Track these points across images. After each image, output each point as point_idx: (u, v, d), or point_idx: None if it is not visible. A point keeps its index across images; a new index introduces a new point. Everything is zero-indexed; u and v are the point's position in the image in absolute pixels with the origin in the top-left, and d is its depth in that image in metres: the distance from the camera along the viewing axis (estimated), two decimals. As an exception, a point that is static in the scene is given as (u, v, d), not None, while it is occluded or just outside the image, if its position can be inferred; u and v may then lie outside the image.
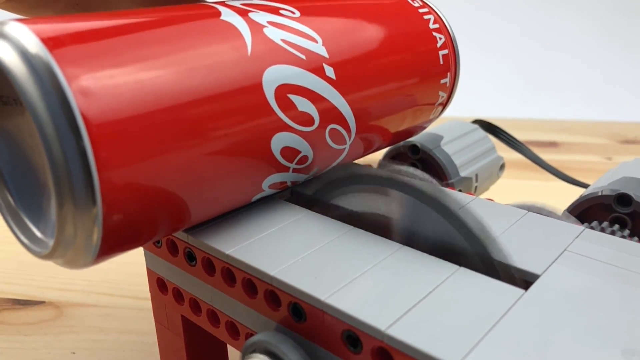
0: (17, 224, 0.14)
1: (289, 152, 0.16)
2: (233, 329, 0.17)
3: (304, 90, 0.16)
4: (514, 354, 0.11)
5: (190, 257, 0.17)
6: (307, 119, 0.16)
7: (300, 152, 0.16)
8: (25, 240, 0.14)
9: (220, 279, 0.16)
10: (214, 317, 0.17)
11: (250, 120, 0.15)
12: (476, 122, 0.30)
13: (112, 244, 0.13)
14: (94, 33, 0.13)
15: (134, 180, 0.13)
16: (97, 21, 0.13)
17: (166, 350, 0.21)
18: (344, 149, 0.18)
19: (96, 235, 0.12)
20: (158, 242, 0.18)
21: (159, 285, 0.19)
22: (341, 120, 0.17)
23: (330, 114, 0.17)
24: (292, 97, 0.16)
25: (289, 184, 0.18)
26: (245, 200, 0.17)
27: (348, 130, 0.18)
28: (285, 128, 0.16)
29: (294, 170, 0.17)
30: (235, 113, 0.14)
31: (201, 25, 0.15)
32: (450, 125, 0.28)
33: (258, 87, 0.15)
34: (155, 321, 0.20)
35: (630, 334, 0.12)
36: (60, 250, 0.13)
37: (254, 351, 0.14)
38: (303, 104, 0.16)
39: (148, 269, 0.19)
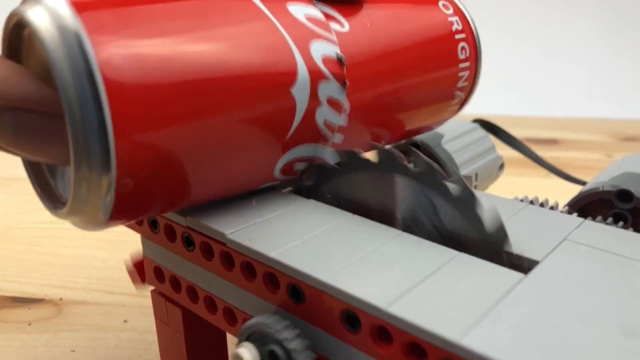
0: (37, 180, 0.15)
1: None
2: (230, 315, 0.16)
3: None
4: (515, 332, 0.11)
5: (189, 242, 0.17)
6: None
7: None
8: (44, 196, 0.15)
9: (218, 263, 0.16)
10: (211, 303, 0.17)
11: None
12: (476, 121, 0.30)
13: (125, 206, 0.14)
14: (124, 1, 0.13)
15: (150, 149, 0.13)
16: None
17: (166, 347, 0.21)
18: None
19: (109, 197, 0.13)
20: (156, 226, 0.18)
21: (156, 274, 0.19)
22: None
23: None
24: None
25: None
26: (262, 176, 0.17)
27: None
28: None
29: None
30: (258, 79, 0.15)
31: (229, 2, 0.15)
32: (450, 124, 0.28)
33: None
34: (155, 318, 0.20)
35: (630, 315, 0.12)
36: (77, 207, 0.13)
37: (249, 336, 0.14)
38: None
39: (145, 258, 0.19)
